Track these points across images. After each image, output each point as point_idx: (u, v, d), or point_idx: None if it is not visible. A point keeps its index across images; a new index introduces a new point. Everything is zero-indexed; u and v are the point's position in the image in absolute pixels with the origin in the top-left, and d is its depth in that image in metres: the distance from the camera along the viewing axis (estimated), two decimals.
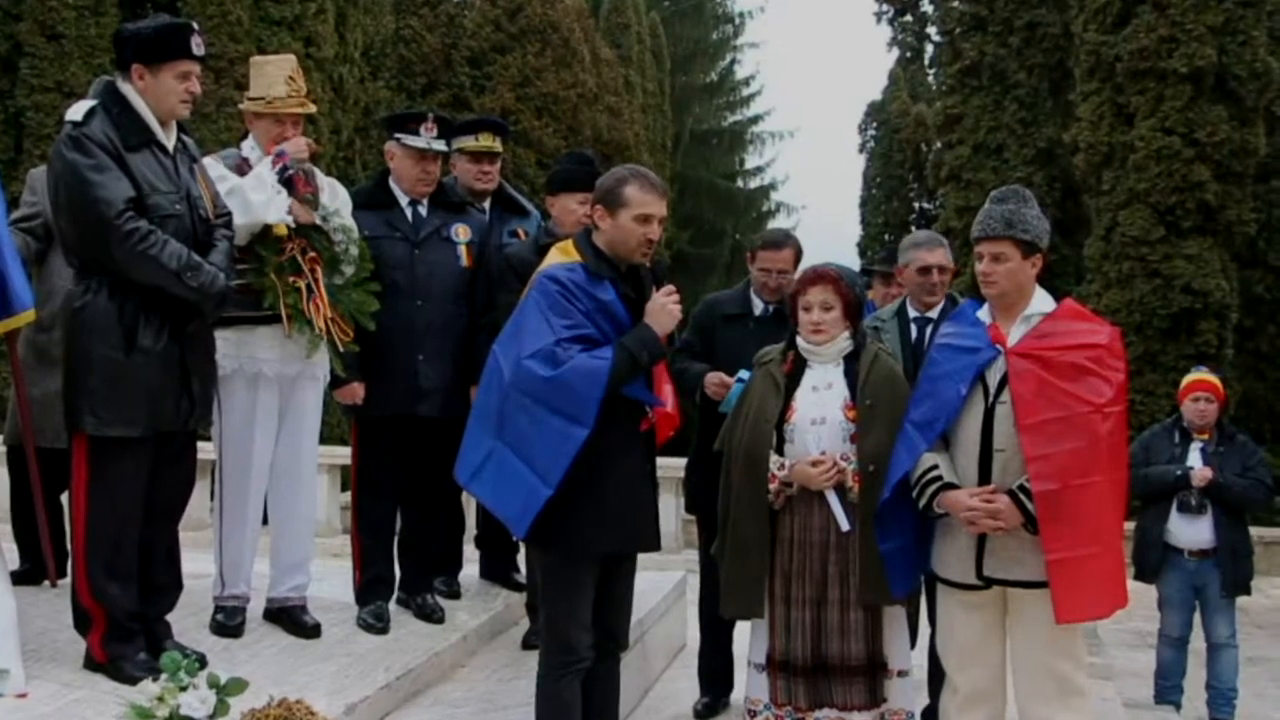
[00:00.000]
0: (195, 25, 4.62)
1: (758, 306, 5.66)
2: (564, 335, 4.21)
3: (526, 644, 5.69)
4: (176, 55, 4.48)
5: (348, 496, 6.21)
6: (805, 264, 5.27)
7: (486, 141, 6.03)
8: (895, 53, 30.28)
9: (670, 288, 4.46)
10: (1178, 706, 7.75)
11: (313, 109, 5.38)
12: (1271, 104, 17.56)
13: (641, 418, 4.45)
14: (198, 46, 4.54)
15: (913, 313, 5.49)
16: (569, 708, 4.46)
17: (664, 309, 4.39)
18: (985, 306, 4.74)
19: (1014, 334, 4.62)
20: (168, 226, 4.38)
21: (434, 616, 5.64)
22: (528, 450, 4.27)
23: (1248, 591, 7.88)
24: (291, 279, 4.96)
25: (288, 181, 5.05)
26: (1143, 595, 6.87)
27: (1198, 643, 7.86)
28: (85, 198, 4.26)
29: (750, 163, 36.77)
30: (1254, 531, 8.16)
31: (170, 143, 4.56)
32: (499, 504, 4.49)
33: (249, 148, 5.21)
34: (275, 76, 5.18)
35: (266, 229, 4.93)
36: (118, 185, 4.28)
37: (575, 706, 4.47)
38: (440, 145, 5.57)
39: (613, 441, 4.31)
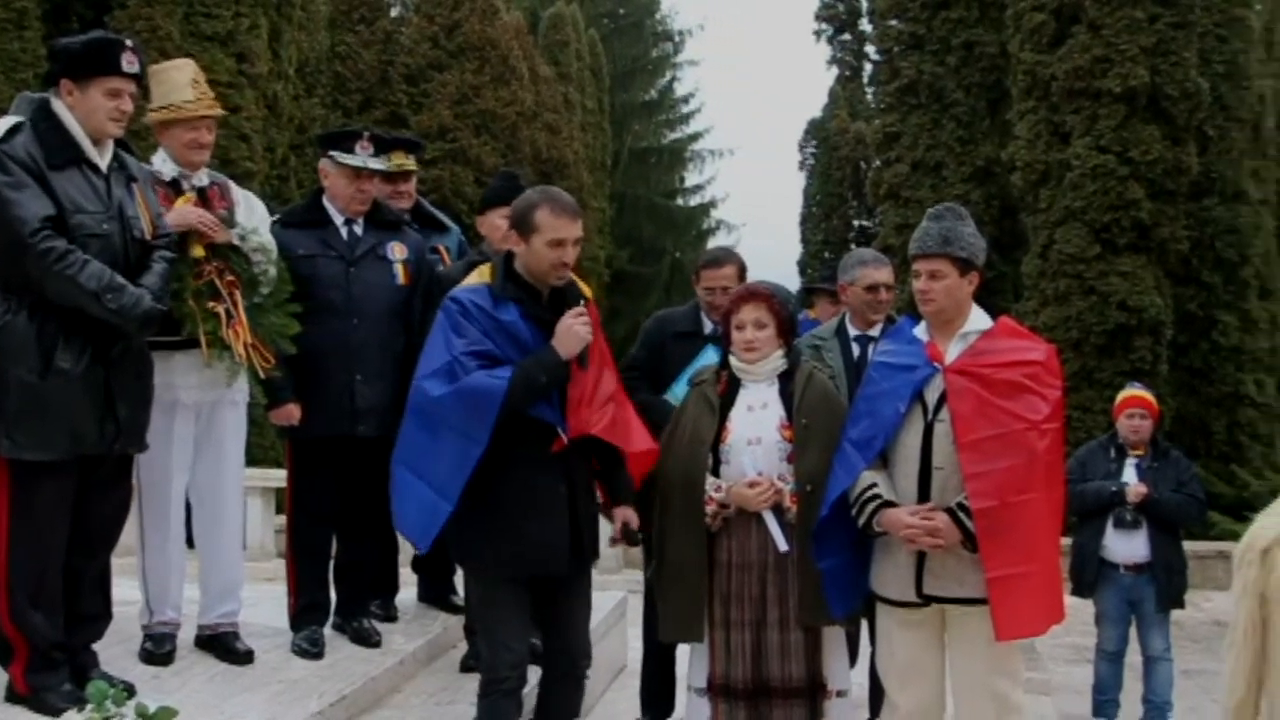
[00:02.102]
0: (128, 42, 4.50)
1: (708, 325, 5.67)
2: (460, 353, 4.26)
3: (465, 667, 5.65)
4: (106, 71, 4.37)
5: (283, 519, 6.13)
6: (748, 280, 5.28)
7: (399, 160, 6.05)
8: (834, 71, 30.57)
9: (580, 309, 4.46)
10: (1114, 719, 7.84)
11: (221, 111, 5.27)
12: (1202, 123, 17.80)
13: (553, 439, 4.42)
14: (129, 64, 4.42)
15: (853, 331, 5.51)
16: None
17: (570, 330, 4.38)
18: (922, 324, 4.77)
19: (951, 351, 4.65)
20: (91, 247, 4.26)
21: (370, 640, 5.58)
22: (426, 467, 4.33)
23: (1182, 605, 7.95)
24: (210, 304, 4.85)
25: (202, 197, 4.98)
26: (1080, 610, 6.92)
27: (1134, 657, 7.92)
28: (1, 216, 4.15)
29: (690, 180, 36.92)
30: (1187, 546, 8.23)
31: (104, 162, 4.44)
32: (403, 522, 4.53)
33: (160, 160, 5.06)
34: (178, 81, 5.05)
35: (183, 250, 4.80)
36: (35, 203, 4.17)
37: None
38: (377, 164, 5.52)
39: (520, 462, 4.34)
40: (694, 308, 5.80)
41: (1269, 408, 19.53)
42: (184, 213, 4.86)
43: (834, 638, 4.86)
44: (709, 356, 4.94)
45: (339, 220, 5.51)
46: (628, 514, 4.72)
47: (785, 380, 4.86)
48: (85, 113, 4.37)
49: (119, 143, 4.57)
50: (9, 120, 4.36)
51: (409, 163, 6.12)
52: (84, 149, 4.38)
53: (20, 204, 4.16)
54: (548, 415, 4.41)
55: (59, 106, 4.38)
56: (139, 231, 4.49)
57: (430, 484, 4.31)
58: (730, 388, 4.86)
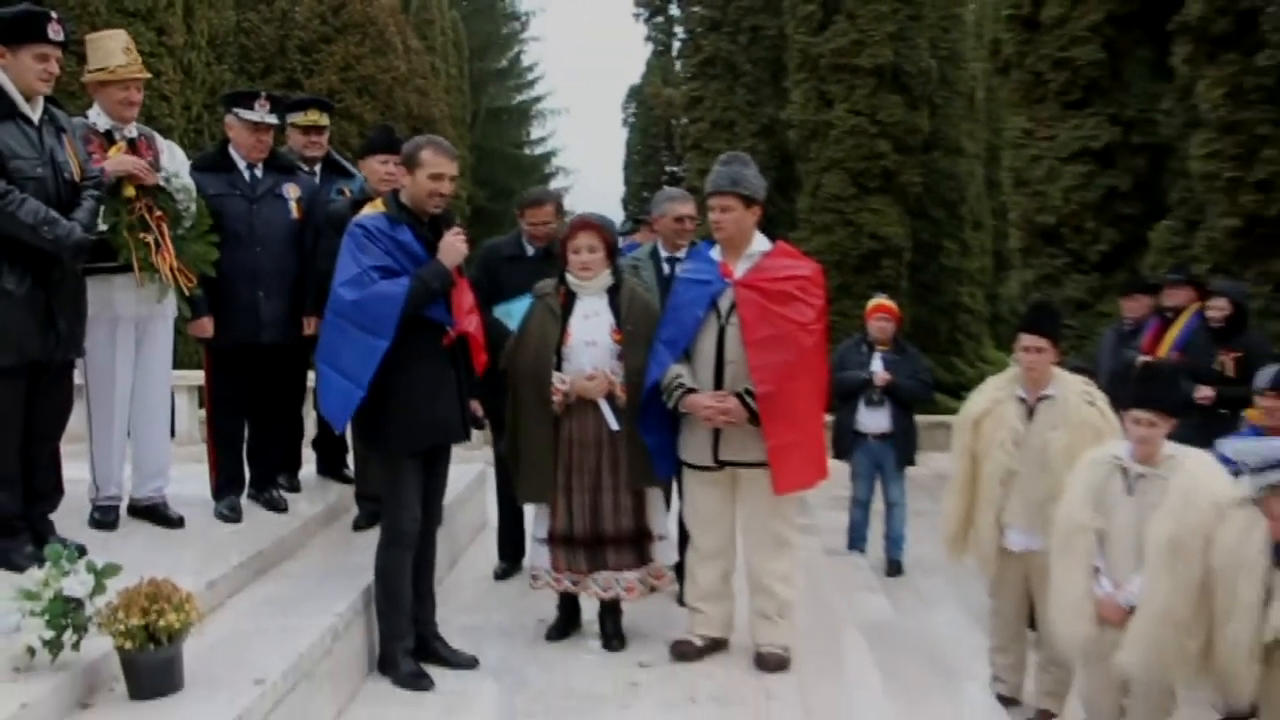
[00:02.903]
0: (53, 14, 4.29)
1: (530, 250, 5.64)
2: (368, 266, 4.22)
3: (356, 526, 5.61)
4: (34, 39, 4.17)
5: (204, 412, 6.00)
6: (580, 213, 5.22)
7: (314, 117, 5.92)
8: (650, 46, 30.25)
9: (458, 229, 4.43)
10: (863, 551, 8.07)
11: (147, 75, 5.06)
12: (931, 95, 18.17)
13: (443, 335, 4.37)
14: (55, 32, 4.21)
15: (664, 253, 5.48)
16: (400, 576, 4.48)
17: (452, 246, 4.36)
18: (717, 248, 4.78)
19: (739, 269, 4.67)
20: (28, 187, 4.09)
21: (279, 507, 5.51)
22: (341, 361, 4.26)
23: (914, 463, 8.23)
24: (141, 235, 4.71)
25: (132, 146, 4.82)
26: (839, 470, 7.08)
27: (878, 504, 8.17)
28: None
29: (535, 134, 36.35)
30: (919, 419, 8.49)
31: (36, 115, 4.25)
32: (324, 407, 4.48)
33: (95, 114, 4.87)
34: (112, 48, 4.85)
35: (116, 191, 4.66)
36: None
37: (405, 575, 4.49)
38: (272, 119, 5.36)
39: (419, 354, 4.30)
40: (517, 236, 5.73)
41: (979, 314, 20.23)
42: (120, 160, 4.70)
43: (654, 494, 4.90)
44: (527, 301, 4.90)
45: (242, 165, 5.37)
46: (475, 405, 4.70)
47: (613, 294, 4.83)
48: (17, 73, 4.17)
49: (50, 99, 4.37)
50: None
51: (322, 119, 5.97)
52: (18, 104, 4.19)
53: None
54: (439, 315, 4.36)
55: None
56: (69, 174, 4.32)
57: (345, 374, 4.24)
58: (568, 300, 4.82)
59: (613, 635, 4.97)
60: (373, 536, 4.62)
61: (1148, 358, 7.41)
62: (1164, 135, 11.49)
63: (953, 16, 19.45)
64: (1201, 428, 6.06)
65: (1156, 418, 4.60)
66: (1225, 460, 4.76)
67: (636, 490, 4.78)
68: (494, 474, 6.00)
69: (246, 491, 5.51)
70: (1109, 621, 4.65)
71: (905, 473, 8.11)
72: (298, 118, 5.90)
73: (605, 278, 4.81)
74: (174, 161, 5.03)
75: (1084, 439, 5.03)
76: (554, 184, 34.42)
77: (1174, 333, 7.54)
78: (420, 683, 4.43)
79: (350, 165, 6.17)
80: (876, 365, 7.92)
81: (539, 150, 36.34)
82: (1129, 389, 4.80)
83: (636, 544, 4.83)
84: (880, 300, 8.29)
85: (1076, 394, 5.18)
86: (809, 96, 17.67)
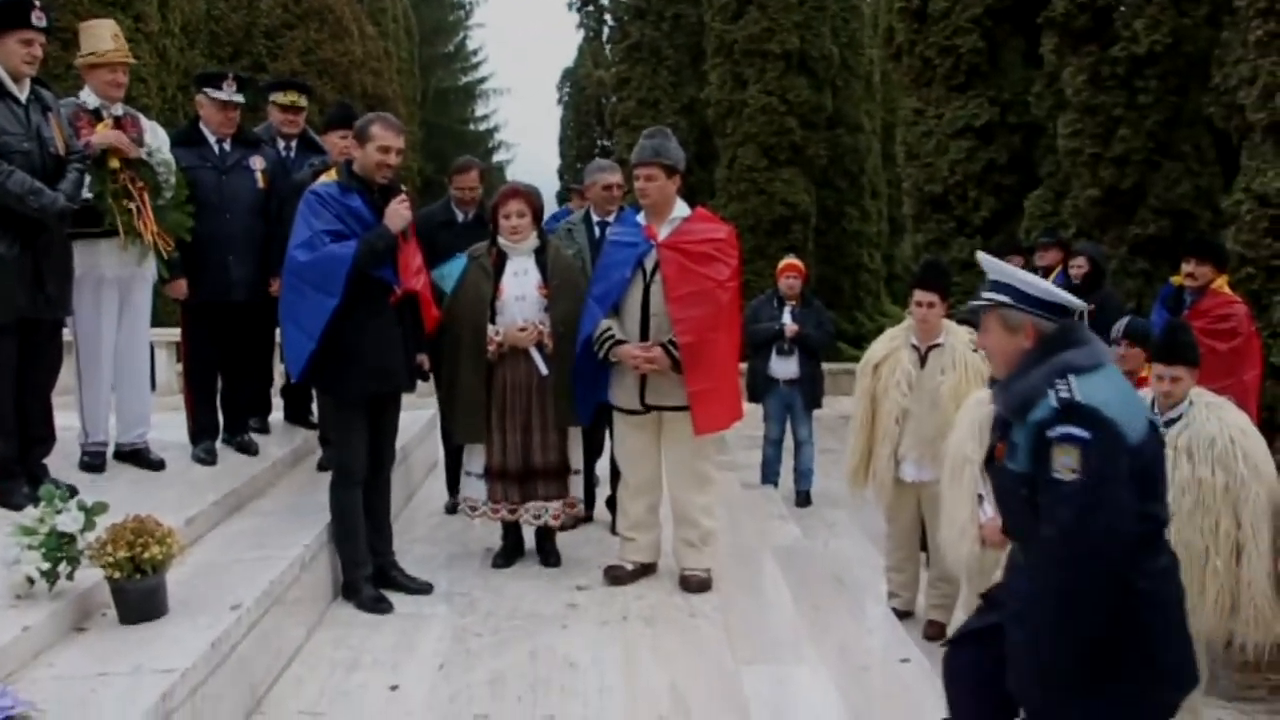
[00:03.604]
0: (36, 2, 4.21)
1: (460, 215, 5.60)
2: (319, 230, 4.18)
3: (320, 467, 5.56)
4: (19, 25, 4.12)
5: (181, 366, 5.91)
6: (510, 182, 5.20)
7: (293, 97, 5.81)
8: (582, 32, 29.89)
9: (402, 196, 4.40)
10: (776, 485, 8.16)
11: (133, 60, 5.00)
12: (834, 78, 18.22)
13: (390, 294, 4.34)
14: (38, 19, 4.15)
15: (596, 218, 5.46)
16: (352, 510, 4.48)
17: (396, 212, 4.32)
18: (642, 213, 4.76)
19: (663, 232, 4.67)
20: (16, 160, 4.05)
21: (250, 450, 5.45)
22: (297, 317, 4.24)
23: (820, 405, 8.31)
24: (125, 203, 4.65)
25: (118, 123, 4.74)
26: (753, 412, 7.15)
27: (789, 443, 8.25)
28: None
29: (479, 112, 35.87)
30: (825, 366, 8.57)
31: (23, 95, 4.19)
32: (287, 359, 4.43)
33: (85, 94, 4.79)
34: (102, 35, 4.79)
35: (103, 163, 4.59)
36: None
37: (357, 509, 4.49)
38: (238, 98, 5.27)
39: (368, 311, 4.26)
40: (447, 203, 5.69)
41: (877, 272, 20.43)
42: (106, 135, 4.63)
43: (574, 434, 4.92)
44: (460, 262, 4.86)
45: (212, 140, 5.27)
46: (422, 358, 4.68)
47: (540, 254, 4.82)
48: (4, 57, 4.13)
49: (38, 81, 4.31)
50: None
51: (300, 100, 5.85)
52: (5, 85, 4.14)
53: None
54: (387, 276, 4.31)
55: None
56: (54, 149, 4.27)
57: (300, 328, 4.21)
58: (500, 260, 4.80)
59: (549, 553, 5.04)
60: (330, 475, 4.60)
61: None
62: (1035, 116, 11.64)
63: (852, 8, 19.55)
64: None
65: None
66: None
67: (561, 429, 4.81)
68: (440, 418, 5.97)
69: (221, 436, 5.44)
70: (991, 543, 4.70)
71: (813, 414, 8.19)
72: (279, 96, 5.79)
73: (533, 240, 4.80)
74: (156, 138, 4.95)
75: (970, 382, 5.11)
76: (496, 157, 34.08)
77: None
78: (380, 606, 4.43)
79: (320, 141, 6.09)
80: (786, 318, 7.96)
81: (483, 127, 35.89)
82: None
83: (561, 477, 4.87)
84: (790, 260, 8.33)
85: (964, 342, 5.26)
86: (725, 78, 17.62)
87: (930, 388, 5.25)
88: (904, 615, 5.55)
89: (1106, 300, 7.29)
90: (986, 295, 2.98)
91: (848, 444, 5.72)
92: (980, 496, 4.80)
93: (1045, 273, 7.75)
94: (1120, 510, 2.70)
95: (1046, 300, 2.91)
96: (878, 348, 5.55)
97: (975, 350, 5.22)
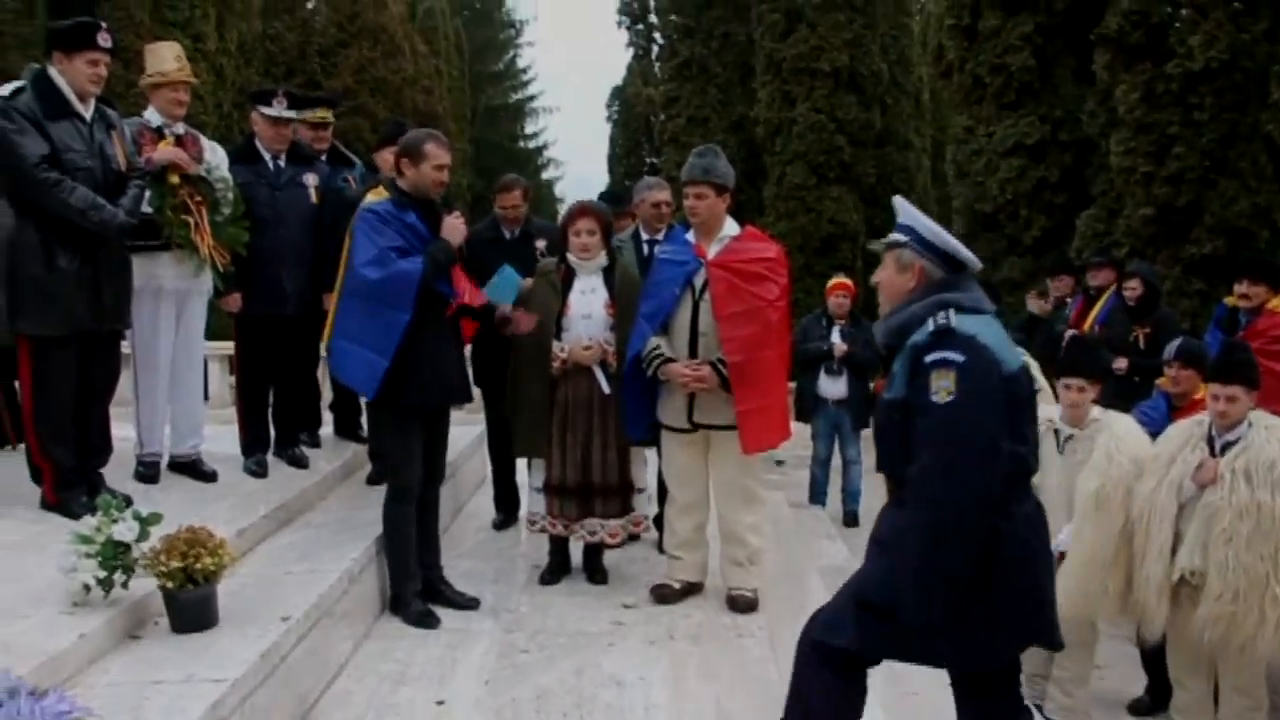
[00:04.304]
0: (102, 24, 4.36)
1: (507, 233, 5.59)
2: (385, 246, 4.19)
3: (370, 481, 5.60)
4: (86, 45, 4.24)
5: (234, 378, 5.99)
6: (568, 201, 5.22)
7: (322, 114, 5.88)
8: (631, 50, 30.06)
9: (457, 212, 4.44)
10: (824, 504, 8.10)
11: (194, 79, 5.13)
12: (883, 95, 18.13)
13: (446, 306, 4.36)
14: (104, 40, 4.28)
15: (645, 236, 5.46)
16: (405, 524, 4.48)
17: (454, 227, 4.35)
18: (692, 231, 4.76)
19: (712, 250, 4.65)
20: (79, 177, 4.16)
21: (301, 463, 5.50)
22: (365, 336, 4.24)
23: (868, 425, 8.23)
24: (183, 217, 4.75)
25: (179, 141, 4.85)
26: (801, 431, 7.11)
27: (837, 462, 8.19)
28: (10, 154, 4.09)
29: (529, 129, 36.08)
30: (873, 385, 8.49)
31: (87, 113, 4.30)
32: (349, 379, 4.46)
33: (149, 113, 4.91)
34: (166, 56, 4.93)
35: (162, 178, 4.69)
36: (34, 144, 4.09)
37: (409, 523, 4.49)
38: (290, 114, 5.35)
39: (426, 325, 4.26)
40: (494, 220, 5.67)
41: None
42: (165, 152, 4.75)
43: (637, 452, 4.91)
44: (507, 275, 4.86)
45: (267, 156, 5.34)
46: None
47: (608, 272, 4.82)
48: (72, 76, 4.25)
49: (102, 100, 4.42)
50: (14, 85, 4.26)
51: (328, 116, 5.94)
52: (72, 104, 4.26)
53: (23, 145, 4.07)
54: (444, 289, 4.32)
55: (53, 73, 4.26)
56: (115, 165, 4.38)
57: (370, 347, 4.21)
58: (568, 276, 4.81)
59: (596, 570, 5.03)
60: (384, 490, 4.61)
61: (1075, 331, 7.45)
62: (1088, 133, 11.53)
63: (902, 25, 19.45)
64: (1117, 394, 6.10)
65: (1085, 384, 4.62)
66: (1143, 422, 4.80)
67: (622, 447, 4.79)
68: (488, 436, 5.99)
69: (272, 449, 5.49)
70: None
71: (861, 434, 8.13)
72: (307, 115, 5.85)
73: (602, 258, 4.81)
74: (215, 156, 5.05)
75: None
76: (545, 175, 34.26)
77: (1097, 309, 7.58)
78: (427, 621, 4.44)
79: (351, 155, 6.17)
80: (835, 338, 7.93)
81: (532, 144, 36.10)
82: (1060, 360, 4.82)
83: (621, 495, 4.84)
84: (839, 279, 8.29)
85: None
86: (774, 96, 17.61)
87: None
88: None
89: (1162, 321, 7.17)
90: (890, 236, 3.12)
91: None
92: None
93: (1098, 293, 7.64)
94: (992, 432, 2.77)
95: (940, 248, 3.02)
96: None
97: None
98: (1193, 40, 9.49)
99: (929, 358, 2.83)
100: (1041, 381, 5.09)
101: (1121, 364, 6.96)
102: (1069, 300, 8.16)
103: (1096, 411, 4.67)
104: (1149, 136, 9.86)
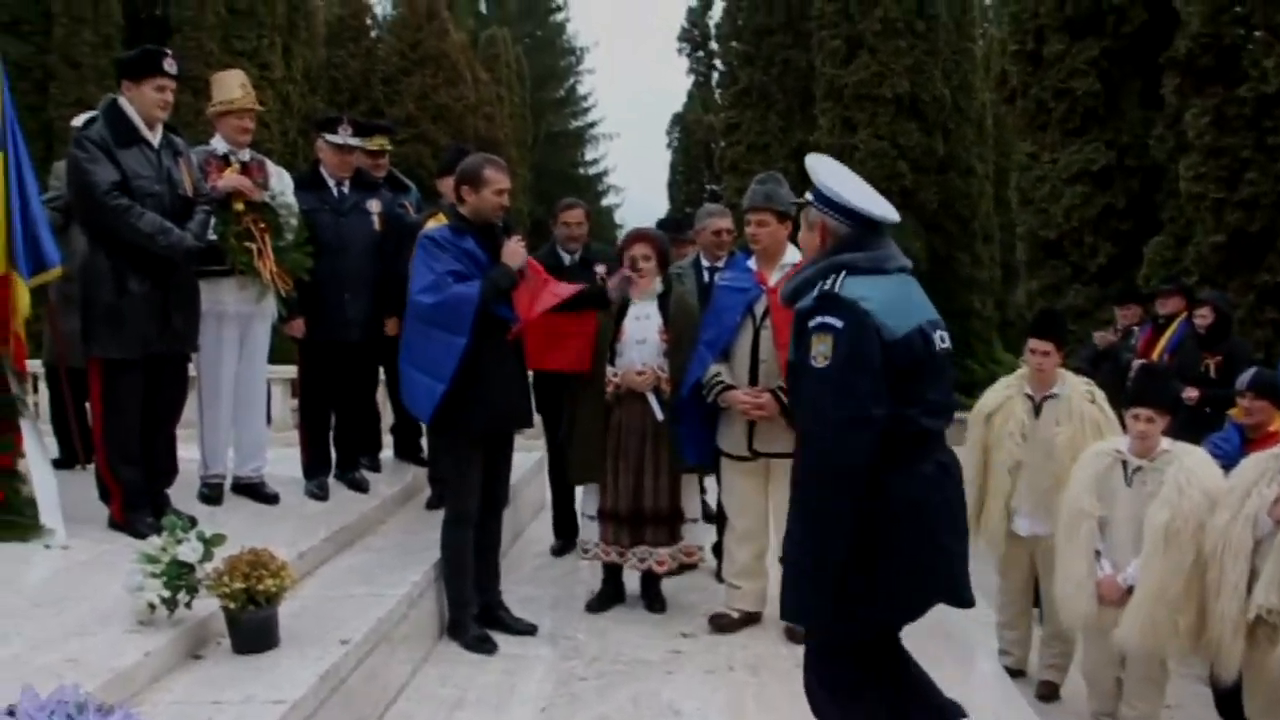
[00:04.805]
0: (168, 51, 4.45)
1: (565, 258, 5.57)
2: (442, 271, 4.19)
3: (429, 506, 5.62)
4: (153, 72, 4.34)
5: (296, 402, 6.06)
6: (627, 227, 5.23)
7: (380, 142, 5.91)
8: (692, 77, 30.24)
9: (518, 235, 4.42)
10: None
11: (261, 107, 5.20)
12: (945, 121, 18.00)
13: (508, 330, 4.35)
14: (170, 66, 4.37)
15: (705, 263, 5.45)
16: (464, 550, 4.47)
17: (514, 251, 4.34)
18: (753, 258, 4.73)
19: (773, 277, 4.61)
20: (148, 203, 4.25)
21: (361, 487, 5.53)
22: (423, 361, 4.24)
23: None
24: (247, 244, 4.82)
25: (245, 168, 4.93)
26: None
27: None
28: (83, 181, 4.21)
29: (589, 155, 36.49)
30: None
31: (156, 140, 4.39)
32: (412, 405, 4.43)
33: (216, 142, 4.99)
34: (232, 84, 5.00)
35: (227, 205, 4.77)
36: (105, 172, 4.19)
37: (468, 549, 4.47)
38: (355, 141, 5.42)
39: (486, 349, 4.25)
40: (553, 247, 5.66)
41: (990, 320, 20.01)
42: (230, 179, 4.83)
43: (689, 481, 4.87)
44: None
45: (331, 183, 5.39)
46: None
47: (663, 299, 4.82)
48: (140, 104, 4.34)
49: (169, 128, 4.51)
50: (88, 115, 4.39)
51: (386, 143, 5.99)
52: (140, 131, 4.35)
53: (95, 173, 4.17)
54: (504, 313, 4.33)
55: (123, 102, 4.36)
56: (182, 191, 4.46)
57: (428, 373, 4.22)
58: (623, 303, 4.81)
59: (654, 598, 4.98)
60: (443, 514, 4.62)
61: (1144, 360, 7.29)
62: (1155, 159, 11.33)
63: (964, 51, 19.31)
64: (1188, 425, 5.95)
65: (1154, 414, 4.52)
66: (1215, 454, 4.67)
67: (674, 474, 4.76)
68: (548, 462, 5.99)
69: (333, 472, 5.53)
70: (1109, 600, 4.57)
71: None
72: (366, 142, 5.86)
73: (658, 284, 4.80)
74: (281, 182, 5.11)
75: (1086, 433, 4.94)
76: (605, 201, 34.50)
77: (1166, 338, 7.42)
78: (485, 646, 4.43)
79: (407, 181, 6.22)
80: None
81: (592, 170, 36.43)
82: (1128, 389, 4.71)
83: (671, 523, 4.81)
84: None
85: (1080, 393, 5.09)
86: (835, 123, 17.57)
87: (1044, 439, 5.08)
88: (1016, 674, 5.33)
89: (1234, 350, 7.00)
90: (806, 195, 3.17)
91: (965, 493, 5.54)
92: (1098, 552, 4.64)
93: (1167, 321, 7.48)
94: (863, 399, 2.81)
95: (841, 205, 3.07)
96: (991, 397, 5.39)
97: (1092, 401, 5.05)
98: (1267, 63, 9.30)
99: (811, 322, 2.91)
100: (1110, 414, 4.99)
101: (1192, 394, 6.79)
102: (1136, 329, 8.00)
103: (1166, 443, 4.56)
104: (1220, 161, 9.67)
